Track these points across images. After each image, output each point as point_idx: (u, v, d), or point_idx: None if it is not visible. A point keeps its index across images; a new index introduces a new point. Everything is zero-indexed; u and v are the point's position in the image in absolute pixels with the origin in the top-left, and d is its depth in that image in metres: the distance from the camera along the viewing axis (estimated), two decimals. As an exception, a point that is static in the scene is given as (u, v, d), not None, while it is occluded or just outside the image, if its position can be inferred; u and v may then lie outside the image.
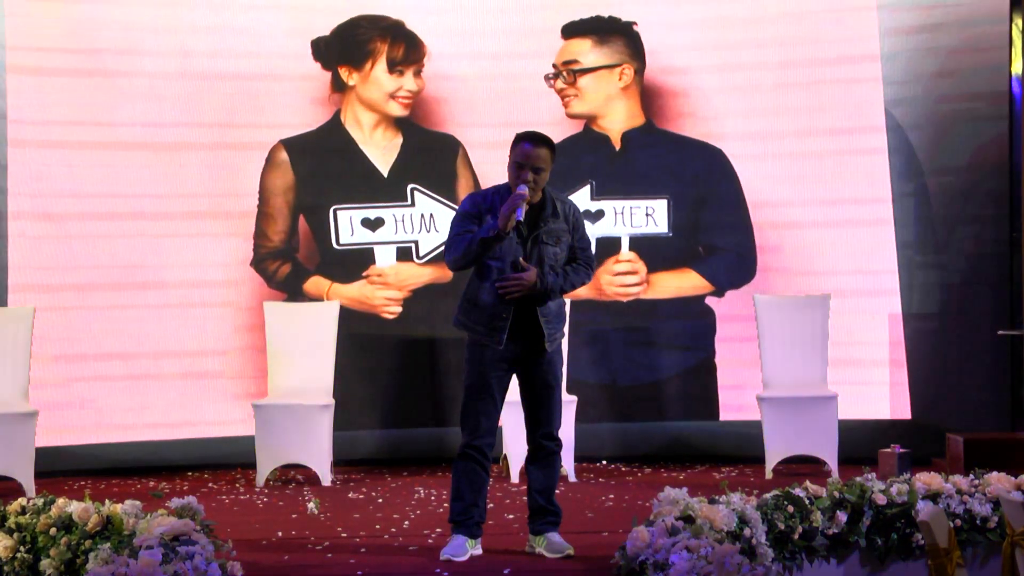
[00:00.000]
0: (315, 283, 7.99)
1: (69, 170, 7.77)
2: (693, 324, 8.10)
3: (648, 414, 8.12)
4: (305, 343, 7.62)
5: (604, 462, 8.05)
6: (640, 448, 8.13)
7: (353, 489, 7.23)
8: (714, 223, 8.12)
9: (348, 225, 7.87)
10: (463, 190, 7.93)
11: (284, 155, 7.96)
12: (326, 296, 7.95)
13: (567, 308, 5.29)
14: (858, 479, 5.21)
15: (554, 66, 8.04)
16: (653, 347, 8.10)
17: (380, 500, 6.84)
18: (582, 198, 7.99)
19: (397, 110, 7.99)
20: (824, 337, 7.62)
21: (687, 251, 8.14)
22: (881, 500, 5.09)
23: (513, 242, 5.10)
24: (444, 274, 7.78)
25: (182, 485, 7.43)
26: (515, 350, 5.13)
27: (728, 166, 8.08)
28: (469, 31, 8.08)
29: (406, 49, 7.88)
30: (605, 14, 8.09)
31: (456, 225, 5.17)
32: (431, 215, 7.87)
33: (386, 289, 7.94)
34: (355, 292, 7.95)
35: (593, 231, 7.80)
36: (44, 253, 7.79)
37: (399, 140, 7.99)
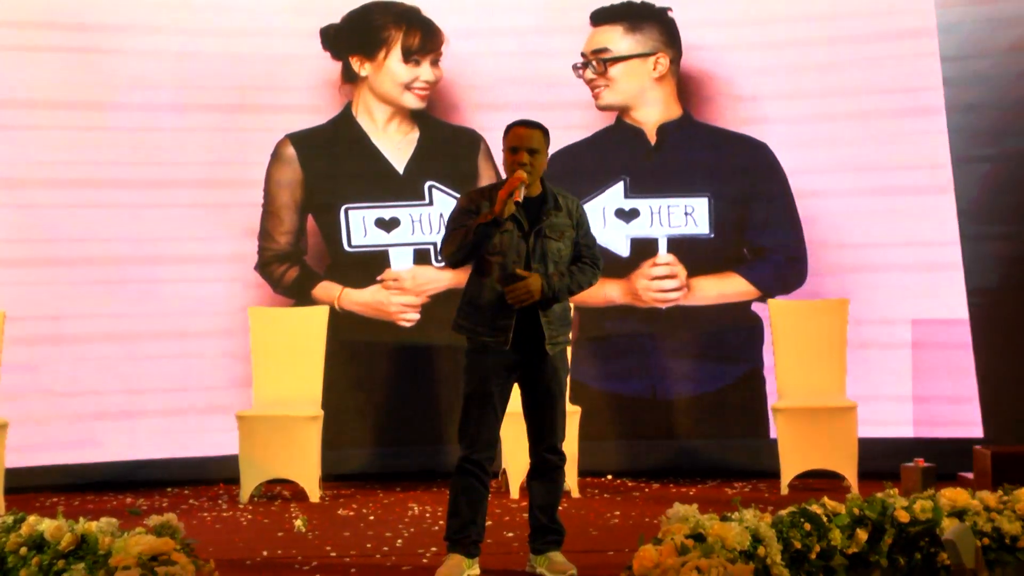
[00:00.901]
0: (325, 288, 7.93)
1: (49, 147, 7.73)
2: (738, 333, 8.04)
3: (689, 429, 8.04)
4: (292, 351, 7.62)
5: (609, 477, 8.06)
6: (647, 462, 8.13)
7: (343, 506, 7.22)
8: (760, 222, 8.07)
9: (361, 226, 7.79)
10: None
11: (291, 150, 7.92)
12: (337, 303, 7.89)
13: (572, 313, 5.30)
14: (879, 495, 5.20)
15: (583, 55, 8.02)
16: (695, 358, 8.01)
17: (372, 517, 6.84)
18: (615, 196, 8.00)
19: (413, 102, 7.95)
20: (842, 344, 7.62)
21: (730, 253, 8.08)
22: (904, 517, 5.08)
23: (514, 236, 5.11)
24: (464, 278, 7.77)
25: (161, 501, 7.42)
26: (516, 356, 5.14)
27: (773, 160, 8.03)
28: (489, 17, 8.05)
29: (422, 37, 7.82)
30: (637, 0, 8.07)
31: (452, 221, 5.19)
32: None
33: (402, 295, 7.87)
34: (369, 298, 7.90)
35: (627, 231, 7.90)
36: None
37: (415, 134, 7.97)
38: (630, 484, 7.89)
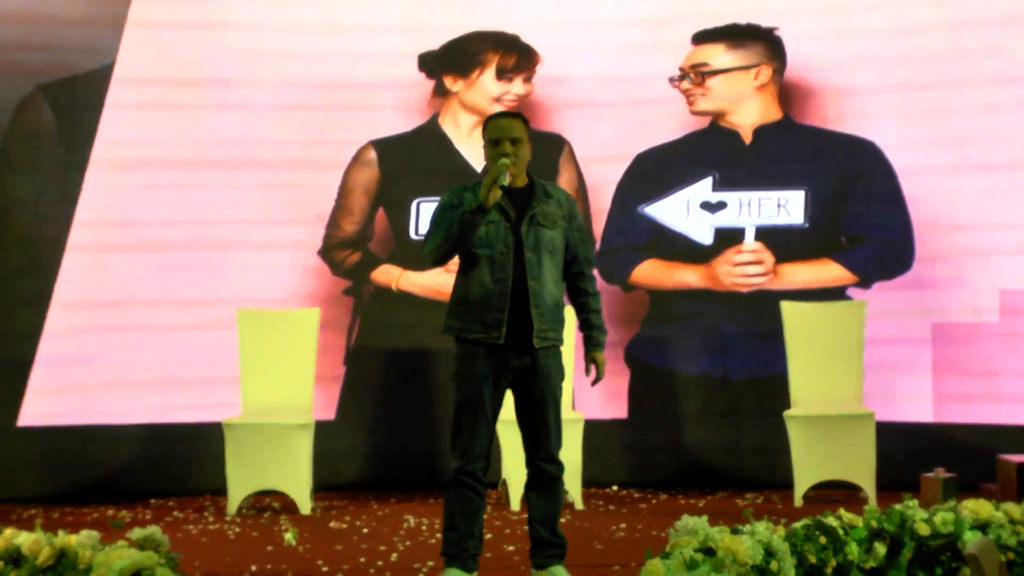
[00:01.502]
0: (385, 271, 8.23)
1: (153, 194, 8.10)
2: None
3: (758, 407, 8.05)
4: (282, 355, 7.63)
5: (615, 488, 8.07)
6: (654, 472, 8.16)
7: (335, 518, 7.22)
8: (860, 213, 8.12)
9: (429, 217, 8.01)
10: (564, 186, 8.03)
11: (373, 154, 8.27)
12: (395, 284, 8.17)
13: (564, 312, 5.28)
14: (898, 507, 5.19)
15: (681, 69, 8.21)
16: (774, 340, 7.95)
17: (365, 530, 6.83)
18: (702, 189, 8.13)
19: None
20: (859, 348, 7.62)
21: (827, 242, 8.15)
22: (924, 530, 5.07)
23: (501, 227, 5.12)
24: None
25: (144, 513, 7.42)
26: (509, 354, 5.12)
27: (881, 157, 8.08)
28: (586, 38, 8.30)
29: (518, 58, 8.21)
30: (742, 21, 8.23)
31: (435, 216, 5.20)
32: None
33: None
34: (428, 280, 8.14)
35: (712, 221, 8.05)
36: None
37: None
38: (636, 495, 7.89)
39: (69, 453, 7.94)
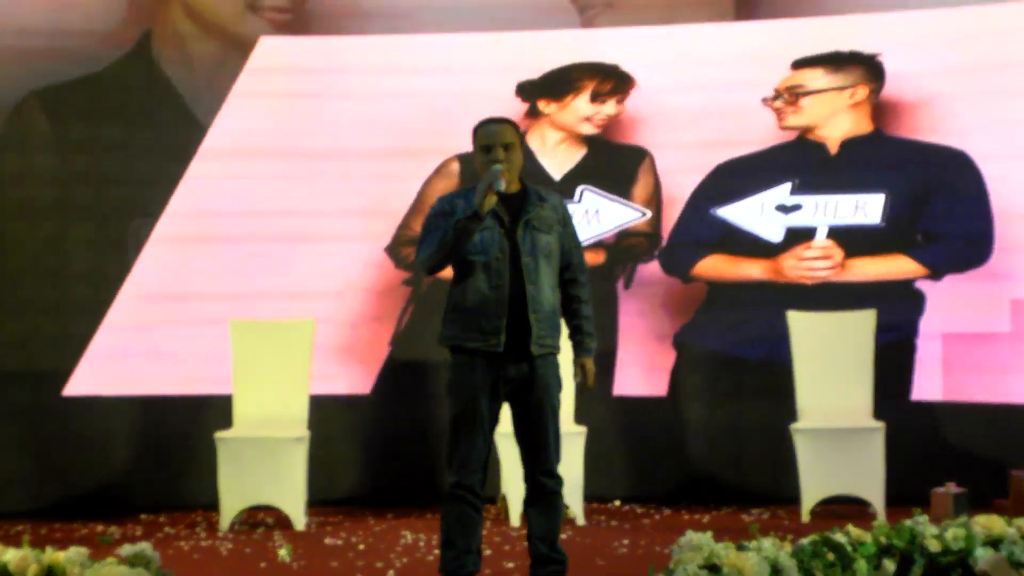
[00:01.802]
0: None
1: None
2: (890, 305, 8.04)
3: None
4: (276, 367, 7.62)
5: (617, 503, 8.07)
6: (658, 487, 8.15)
7: (330, 534, 7.21)
8: (941, 215, 8.17)
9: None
10: (639, 193, 8.27)
11: (456, 166, 8.40)
12: None
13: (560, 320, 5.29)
14: (907, 522, 5.18)
15: (776, 90, 8.32)
16: None
17: (361, 547, 6.82)
18: (779, 193, 8.24)
19: (588, 129, 8.44)
20: (868, 359, 7.61)
21: (902, 241, 8.22)
22: (935, 547, 5.05)
23: (496, 233, 5.11)
24: (594, 258, 8.14)
25: (135, 529, 7.41)
26: (506, 364, 5.11)
27: (971, 167, 8.11)
28: (683, 70, 8.45)
29: (615, 84, 8.41)
30: (844, 49, 8.30)
31: (427, 223, 5.19)
32: (596, 210, 8.29)
33: None
34: None
35: (784, 221, 8.17)
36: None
37: (582, 152, 8.44)
38: (639, 511, 7.89)
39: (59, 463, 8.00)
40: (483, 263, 5.10)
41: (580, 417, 7.53)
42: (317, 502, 7.86)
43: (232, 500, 7.36)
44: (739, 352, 8.23)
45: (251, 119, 8.27)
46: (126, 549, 4.85)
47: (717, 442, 8.26)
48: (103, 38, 8.13)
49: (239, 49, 8.31)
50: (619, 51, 8.45)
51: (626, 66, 8.42)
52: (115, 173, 8.18)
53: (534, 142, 8.41)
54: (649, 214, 8.29)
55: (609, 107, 8.40)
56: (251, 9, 8.18)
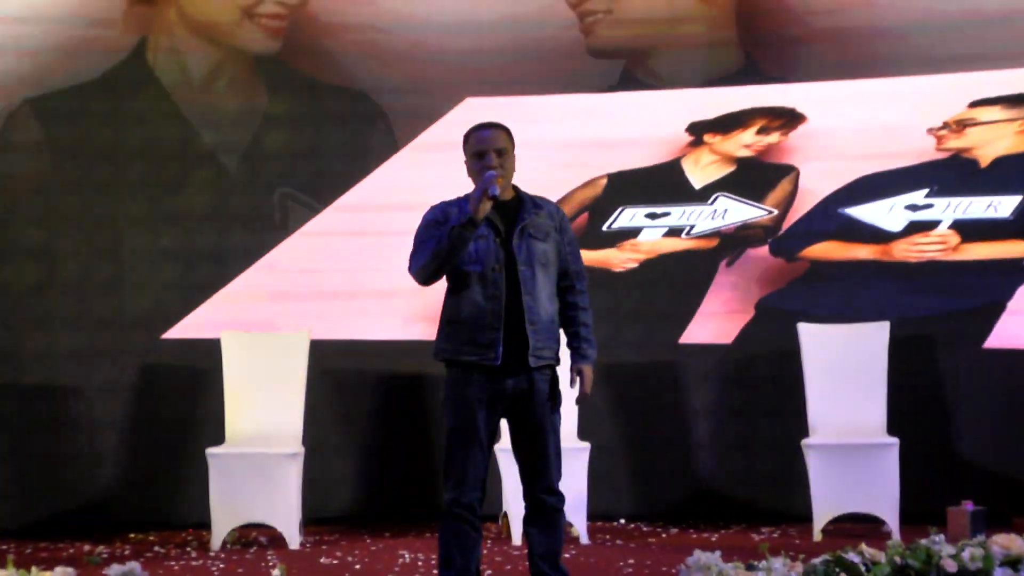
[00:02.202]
0: None
1: None
2: (987, 271, 8.17)
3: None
4: (270, 380, 7.61)
5: (622, 521, 8.06)
6: (664, 504, 8.16)
7: (326, 553, 7.19)
8: None
9: (628, 219, 8.61)
10: (773, 197, 8.48)
11: (605, 181, 8.62)
12: None
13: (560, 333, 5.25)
14: (923, 541, 5.18)
15: (945, 123, 8.38)
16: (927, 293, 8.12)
17: (358, 566, 6.80)
18: (913, 197, 8.29)
19: (745, 153, 8.59)
20: (882, 373, 7.59)
21: None
22: (951, 567, 5.05)
23: (491, 242, 5.08)
24: (707, 244, 8.44)
25: (123, 548, 7.39)
26: (503, 377, 5.08)
27: None
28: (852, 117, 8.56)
29: (786, 121, 8.56)
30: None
31: (421, 233, 5.17)
32: (725, 210, 8.50)
33: (634, 253, 8.55)
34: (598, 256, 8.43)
35: (909, 216, 8.26)
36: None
37: (731, 169, 8.62)
38: (645, 529, 7.88)
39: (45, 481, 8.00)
40: (478, 273, 5.08)
41: (584, 432, 7.50)
42: (312, 520, 7.84)
43: (224, 518, 7.33)
44: (812, 310, 8.17)
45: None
46: (114, 569, 4.86)
47: (725, 458, 8.26)
48: (99, 45, 8.17)
49: (235, 56, 8.35)
50: (790, 97, 8.60)
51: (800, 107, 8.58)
52: (103, 179, 8.21)
53: (687, 160, 8.61)
54: (776, 212, 8.43)
55: (772, 137, 8.58)
56: (247, 17, 8.17)
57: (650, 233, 8.63)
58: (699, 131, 8.66)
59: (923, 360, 8.08)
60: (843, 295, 8.30)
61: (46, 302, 8.17)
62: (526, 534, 5.21)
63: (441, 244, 5.00)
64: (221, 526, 7.33)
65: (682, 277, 8.40)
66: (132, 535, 7.82)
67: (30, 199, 8.21)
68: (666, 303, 8.37)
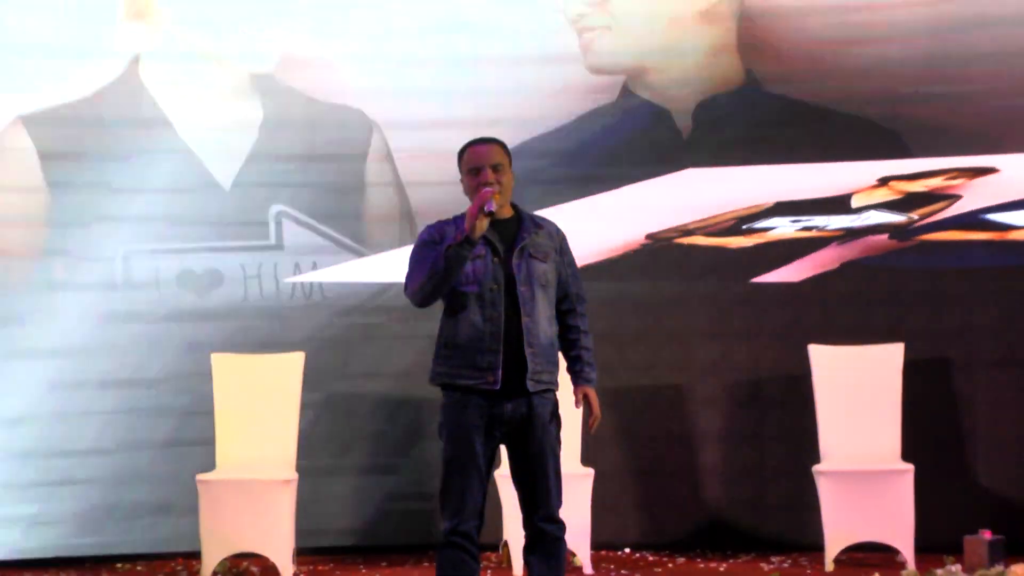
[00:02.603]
0: None
1: None
2: None
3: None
4: (262, 404, 7.58)
5: (627, 550, 8.03)
6: (671, 532, 8.14)
7: (319, 583, 7.15)
8: None
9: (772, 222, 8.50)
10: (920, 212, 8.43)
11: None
12: None
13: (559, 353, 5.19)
14: (939, 572, 5.14)
15: None
16: None
17: (352, 597, 6.77)
18: None
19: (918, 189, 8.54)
20: (896, 396, 7.56)
21: None
22: (968, 598, 5.00)
23: (488, 261, 5.04)
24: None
25: (110, 579, 7.38)
26: (502, 402, 5.03)
27: None
28: None
29: (976, 172, 8.43)
30: None
31: (416, 253, 5.13)
32: (867, 216, 8.40)
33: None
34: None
35: None
36: None
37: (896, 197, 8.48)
38: (651, 558, 7.84)
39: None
40: (476, 294, 5.03)
41: (587, 457, 7.47)
42: (306, 550, 7.80)
43: (215, 547, 7.29)
44: None
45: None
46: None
47: (734, 484, 8.24)
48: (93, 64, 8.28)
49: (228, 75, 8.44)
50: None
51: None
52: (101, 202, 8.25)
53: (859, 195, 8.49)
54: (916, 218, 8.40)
55: (958, 181, 8.54)
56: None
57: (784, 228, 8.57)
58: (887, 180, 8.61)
59: (939, 382, 8.05)
60: None
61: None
62: (527, 563, 5.16)
63: (437, 264, 4.96)
64: (212, 555, 7.29)
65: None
66: (119, 565, 7.78)
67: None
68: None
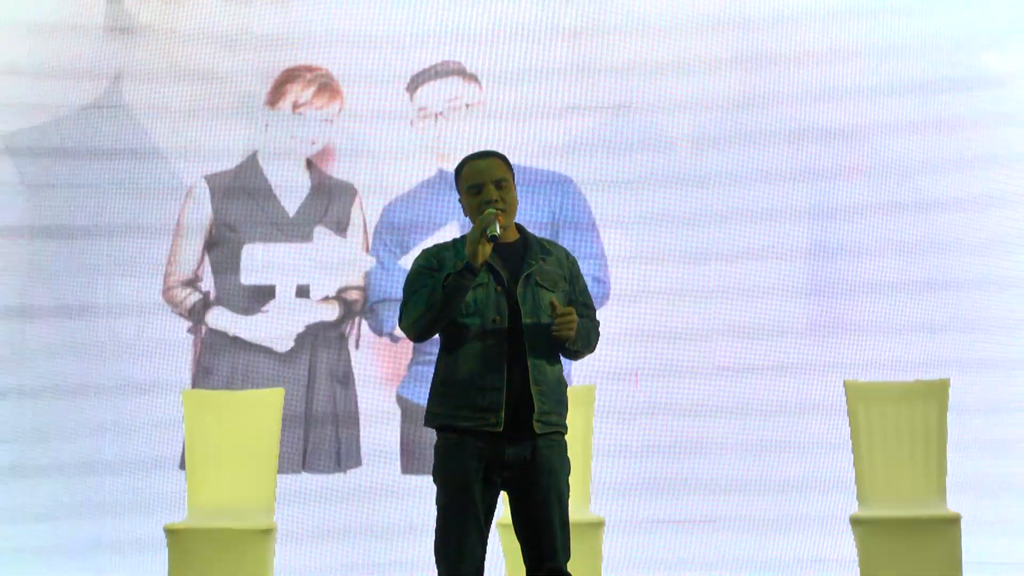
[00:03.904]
0: (219, 314, 8.98)
1: None
2: None
3: None
4: (238, 445, 7.53)
5: (642, 606, 8.06)
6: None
7: (301, 645, 7.09)
8: None
9: (254, 261, 9.10)
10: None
11: (205, 190, 9.04)
12: (231, 330, 8.95)
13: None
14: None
15: None
16: None
17: (337, 662, 6.70)
18: None
19: (306, 152, 9.12)
20: (941, 436, 7.53)
21: None
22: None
23: (491, 290, 4.98)
24: (332, 312, 8.91)
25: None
26: (502, 447, 4.99)
27: None
28: None
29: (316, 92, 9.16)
30: None
31: (410, 284, 5.08)
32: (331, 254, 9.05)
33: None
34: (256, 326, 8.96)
35: None
36: None
37: (307, 182, 9.13)
38: (667, 615, 7.90)
39: None
40: (477, 327, 4.98)
41: (599, 504, 7.47)
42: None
43: (185, 604, 7.26)
44: None
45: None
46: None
47: (762, 535, 8.27)
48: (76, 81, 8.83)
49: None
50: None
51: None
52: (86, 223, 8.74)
53: (265, 164, 9.11)
54: None
55: (315, 127, 9.21)
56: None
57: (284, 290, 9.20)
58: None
59: (988, 421, 8.08)
60: None
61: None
62: (530, 621, 5.13)
63: (435, 295, 4.91)
64: (182, 613, 7.25)
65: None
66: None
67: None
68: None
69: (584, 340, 5.08)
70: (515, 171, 5.13)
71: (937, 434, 7.55)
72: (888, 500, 7.46)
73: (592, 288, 7.90)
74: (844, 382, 7.73)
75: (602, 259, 8.84)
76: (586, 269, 7.89)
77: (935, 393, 7.62)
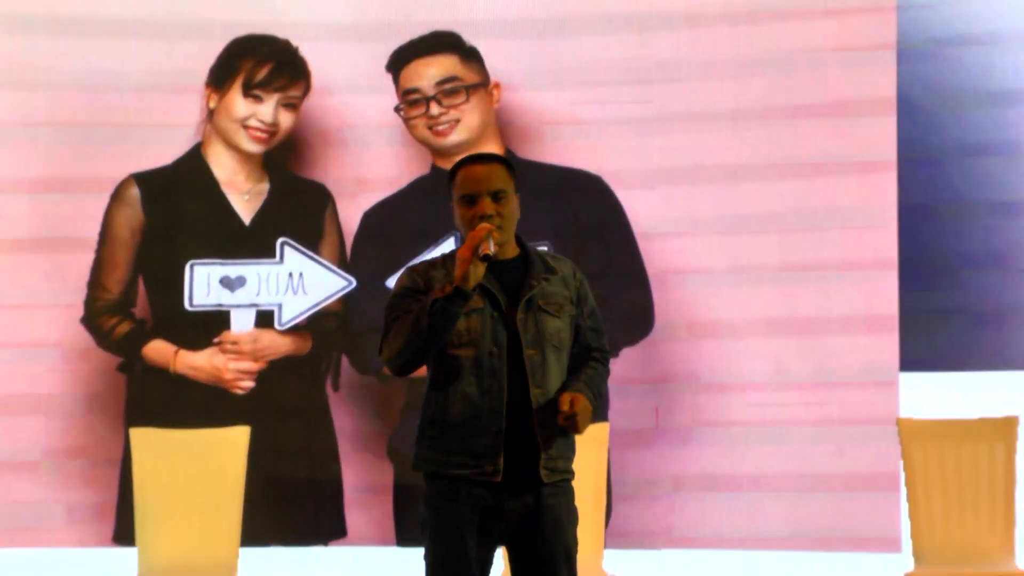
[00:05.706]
0: (158, 347, 8.68)
1: None
2: None
3: None
4: (196, 491, 7.44)
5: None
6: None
7: None
8: None
9: (202, 281, 8.83)
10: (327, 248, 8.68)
11: (135, 191, 8.75)
12: (172, 366, 8.65)
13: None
14: None
15: None
16: None
17: None
18: None
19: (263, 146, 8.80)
20: (1010, 482, 7.44)
21: None
22: None
23: (487, 316, 4.87)
24: (304, 345, 8.68)
25: None
26: (501, 496, 4.92)
27: None
28: None
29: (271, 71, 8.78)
30: None
31: (392, 308, 4.96)
32: (300, 273, 8.73)
33: (240, 360, 8.71)
34: (203, 362, 8.69)
35: None
36: None
37: (265, 185, 8.88)
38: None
39: None
40: (471, 359, 4.89)
41: (614, 561, 7.39)
42: None
43: None
44: None
45: None
46: None
47: None
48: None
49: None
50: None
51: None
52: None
53: (212, 161, 8.80)
54: None
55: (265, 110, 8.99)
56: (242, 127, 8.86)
57: (241, 319, 9.00)
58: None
59: None
60: None
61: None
62: None
63: (420, 322, 4.80)
64: None
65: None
66: None
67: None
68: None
69: (594, 406, 5.04)
70: (530, 171, 4.99)
71: (1005, 479, 7.47)
72: (948, 557, 7.40)
73: (630, 321, 8.13)
74: (897, 420, 7.69)
75: (642, 277, 8.54)
76: (623, 291, 7.95)
77: (1002, 432, 7.55)
